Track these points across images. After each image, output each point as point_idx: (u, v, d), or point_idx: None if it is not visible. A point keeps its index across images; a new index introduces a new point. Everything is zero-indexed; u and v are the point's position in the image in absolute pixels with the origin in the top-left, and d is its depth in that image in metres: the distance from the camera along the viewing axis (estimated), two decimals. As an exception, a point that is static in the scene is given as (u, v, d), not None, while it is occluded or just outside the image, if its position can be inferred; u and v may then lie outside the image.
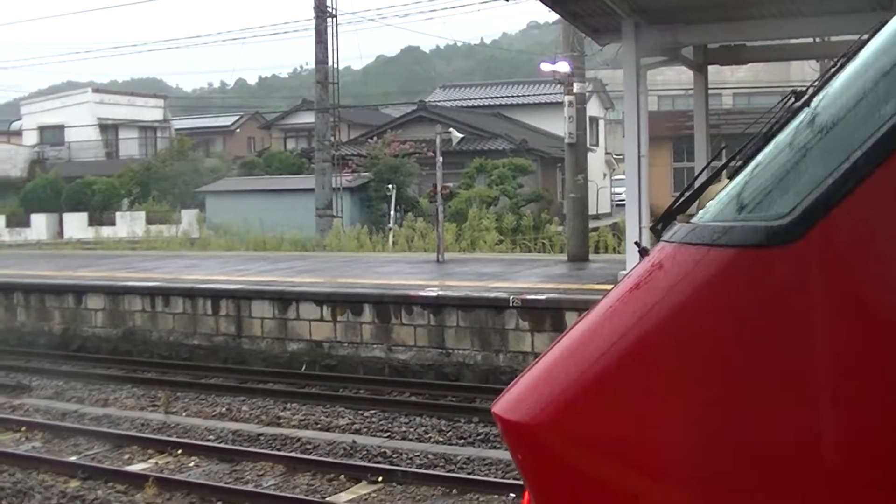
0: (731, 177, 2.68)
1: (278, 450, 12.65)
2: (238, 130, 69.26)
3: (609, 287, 2.75)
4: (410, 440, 13.15)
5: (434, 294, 17.21)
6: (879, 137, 2.21)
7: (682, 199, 2.81)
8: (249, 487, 11.12)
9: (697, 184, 2.94)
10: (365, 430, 13.74)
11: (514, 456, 2.68)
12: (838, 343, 2.25)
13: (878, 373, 2.19)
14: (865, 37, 2.58)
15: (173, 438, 13.32)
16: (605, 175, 55.37)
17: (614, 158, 55.39)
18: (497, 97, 56.96)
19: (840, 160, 2.27)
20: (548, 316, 15.93)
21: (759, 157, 2.60)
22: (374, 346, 17.48)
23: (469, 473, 11.30)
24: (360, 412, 14.79)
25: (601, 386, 2.50)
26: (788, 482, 2.24)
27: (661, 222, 2.81)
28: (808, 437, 2.24)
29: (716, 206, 2.60)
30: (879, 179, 2.21)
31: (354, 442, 12.80)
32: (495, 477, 11.12)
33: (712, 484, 2.31)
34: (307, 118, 52.64)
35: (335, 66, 36.90)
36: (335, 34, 36.24)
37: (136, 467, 12.10)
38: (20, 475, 11.83)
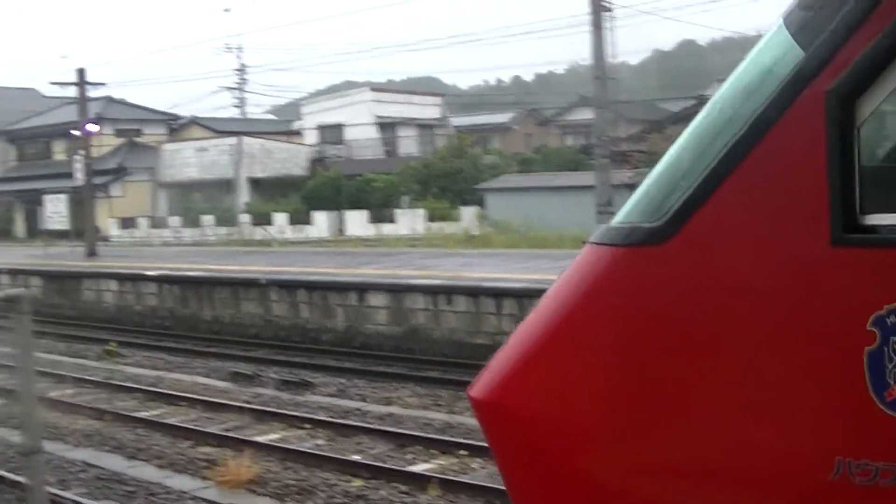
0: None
1: (566, 455, 12.23)
2: (515, 127, 69.66)
3: None
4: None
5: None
6: (727, 151, 2.89)
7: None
8: (537, 494, 10.74)
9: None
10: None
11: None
12: (701, 329, 2.91)
13: (729, 353, 2.89)
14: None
15: (457, 439, 13.14)
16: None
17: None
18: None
19: (700, 171, 2.94)
20: None
21: (657, 166, 3.16)
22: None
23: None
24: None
25: (528, 366, 3.23)
26: (672, 443, 2.94)
27: None
28: (678, 404, 2.92)
29: (624, 208, 3.19)
30: (727, 190, 2.88)
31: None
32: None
33: (613, 446, 3.02)
34: (584, 114, 52.30)
35: (612, 61, 36.31)
36: (611, 28, 35.63)
37: (420, 468, 11.98)
38: (305, 473, 11.92)
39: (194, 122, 69.80)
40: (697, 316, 2.98)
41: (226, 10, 66.83)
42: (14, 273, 33.43)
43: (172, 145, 63.24)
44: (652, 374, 2.99)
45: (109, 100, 64.53)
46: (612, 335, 3.09)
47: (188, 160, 60.58)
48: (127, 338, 24.35)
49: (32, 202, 59.37)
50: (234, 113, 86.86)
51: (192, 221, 54.81)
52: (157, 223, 57.21)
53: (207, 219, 53.89)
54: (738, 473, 2.93)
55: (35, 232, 57.14)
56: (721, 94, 3.18)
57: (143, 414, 15.55)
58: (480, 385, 3.36)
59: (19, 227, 66.13)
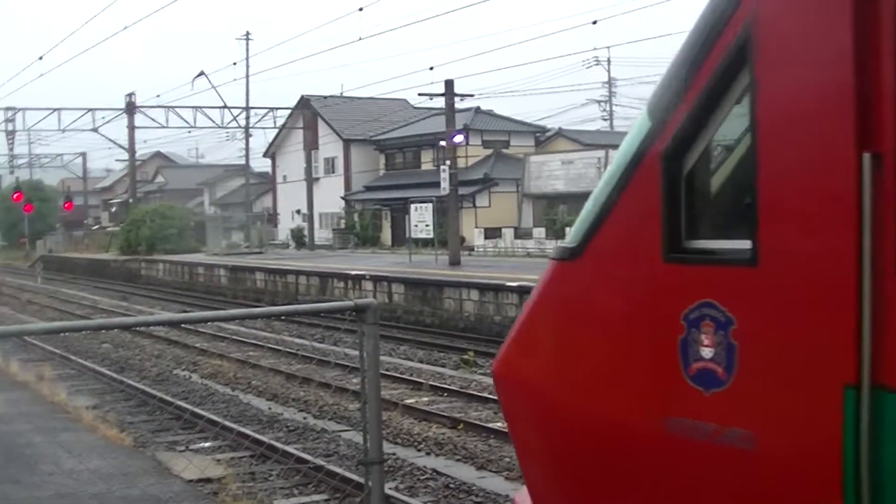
0: None
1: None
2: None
3: None
4: None
5: None
6: (609, 194, 4.51)
7: None
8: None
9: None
10: None
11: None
12: (594, 320, 4.64)
13: (607, 337, 4.56)
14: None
15: None
16: None
17: None
18: None
19: (597, 208, 4.57)
20: None
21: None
22: None
23: None
24: None
25: (511, 346, 5.13)
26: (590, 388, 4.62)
27: None
28: (586, 365, 4.67)
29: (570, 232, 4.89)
30: (610, 223, 4.50)
31: None
32: None
33: (559, 389, 4.76)
34: None
35: None
36: None
37: None
38: None
39: (560, 134, 70.61)
40: (592, 311, 4.68)
41: (593, 23, 66.58)
42: (377, 280, 34.78)
43: (538, 157, 64.18)
44: (574, 346, 4.76)
45: (477, 111, 66.38)
46: (553, 323, 4.92)
47: (554, 172, 61.22)
48: (485, 348, 24.65)
49: (399, 210, 61.88)
50: (601, 126, 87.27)
51: (556, 233, 55.32)
52: (521, 234, 58.16)
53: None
54: (615, 416, 4.46)
55: (401, 240, 59.53)
56: (619, 150, 4.59)
57: (496, 425, 15.54)
58: (496, 360, 5.29)
59: (386, 234, 69.12)
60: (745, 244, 3.90)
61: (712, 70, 4.05)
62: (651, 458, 4.31)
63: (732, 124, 4.21)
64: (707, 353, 4.00)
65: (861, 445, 3.53)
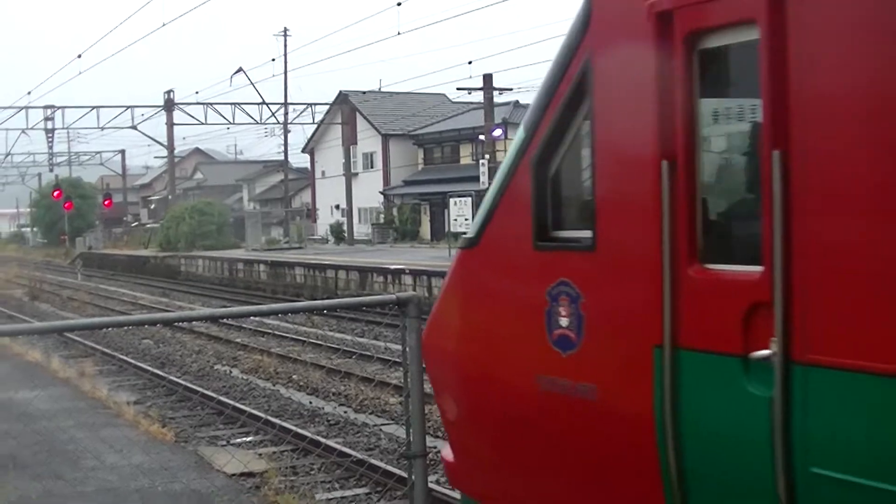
0: None
1: None
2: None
3: None
4: None
5: None
6: (495, 192, 5.77)
7: None
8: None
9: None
10: None
11: None
12: (487, 296, 5.93)
13: (495, 309, 5.87)
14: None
15: None
16: None
17: None
18: None
19: (488, 205, 5.86)
20: None
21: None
22: None
23: None
24: None
25: (430, 320, 6.46)
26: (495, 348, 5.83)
27: None
28: (481, 333, 5.95)
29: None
30: (497, 217, 5.78)
31: None
32: None
33: (467, 344, 6.04)
34: None
35: None
36: None
37: None
38: None
39: (600, 126, 70.19)
40: (485, 290, 5.93)
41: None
42: (416, 274, 34.78)
43: (577, 150, 63.87)
44: (473, 318, 5.98)
45: (516, 104, 66.19)
46: (458, 301, 6.17)
47: (593, 165, 60.89)
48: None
49: (437, 205, 61.86)
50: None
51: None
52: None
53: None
54: (503, 376, 5.68)
55: (440, 234, 59.50)
56: (505, 157, 5.85)
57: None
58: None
59: (425, 228, 69.10)
60: (588, 233, 5.07)
61: (565, 92, 5.21)
62: (529, 411, 5.46)
63: (582, 136, 5.31)
64: (564, 322, 5.16)
65: (665, 393, 4.56)
